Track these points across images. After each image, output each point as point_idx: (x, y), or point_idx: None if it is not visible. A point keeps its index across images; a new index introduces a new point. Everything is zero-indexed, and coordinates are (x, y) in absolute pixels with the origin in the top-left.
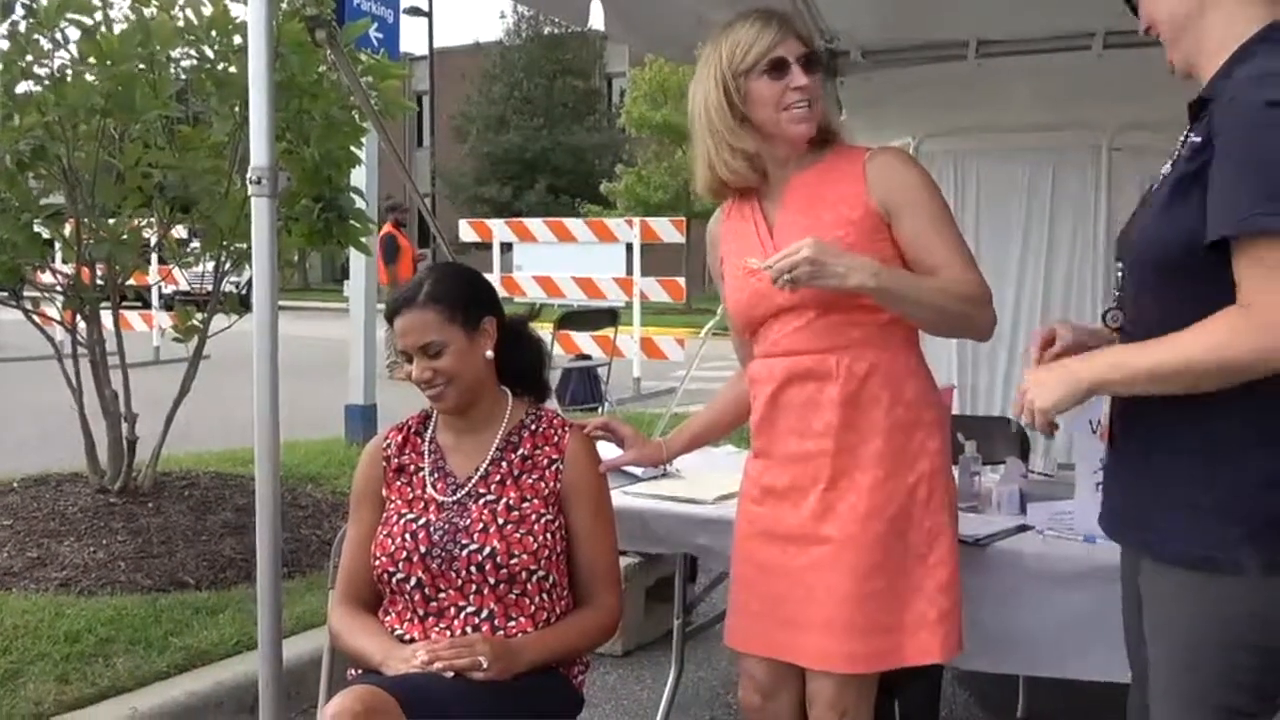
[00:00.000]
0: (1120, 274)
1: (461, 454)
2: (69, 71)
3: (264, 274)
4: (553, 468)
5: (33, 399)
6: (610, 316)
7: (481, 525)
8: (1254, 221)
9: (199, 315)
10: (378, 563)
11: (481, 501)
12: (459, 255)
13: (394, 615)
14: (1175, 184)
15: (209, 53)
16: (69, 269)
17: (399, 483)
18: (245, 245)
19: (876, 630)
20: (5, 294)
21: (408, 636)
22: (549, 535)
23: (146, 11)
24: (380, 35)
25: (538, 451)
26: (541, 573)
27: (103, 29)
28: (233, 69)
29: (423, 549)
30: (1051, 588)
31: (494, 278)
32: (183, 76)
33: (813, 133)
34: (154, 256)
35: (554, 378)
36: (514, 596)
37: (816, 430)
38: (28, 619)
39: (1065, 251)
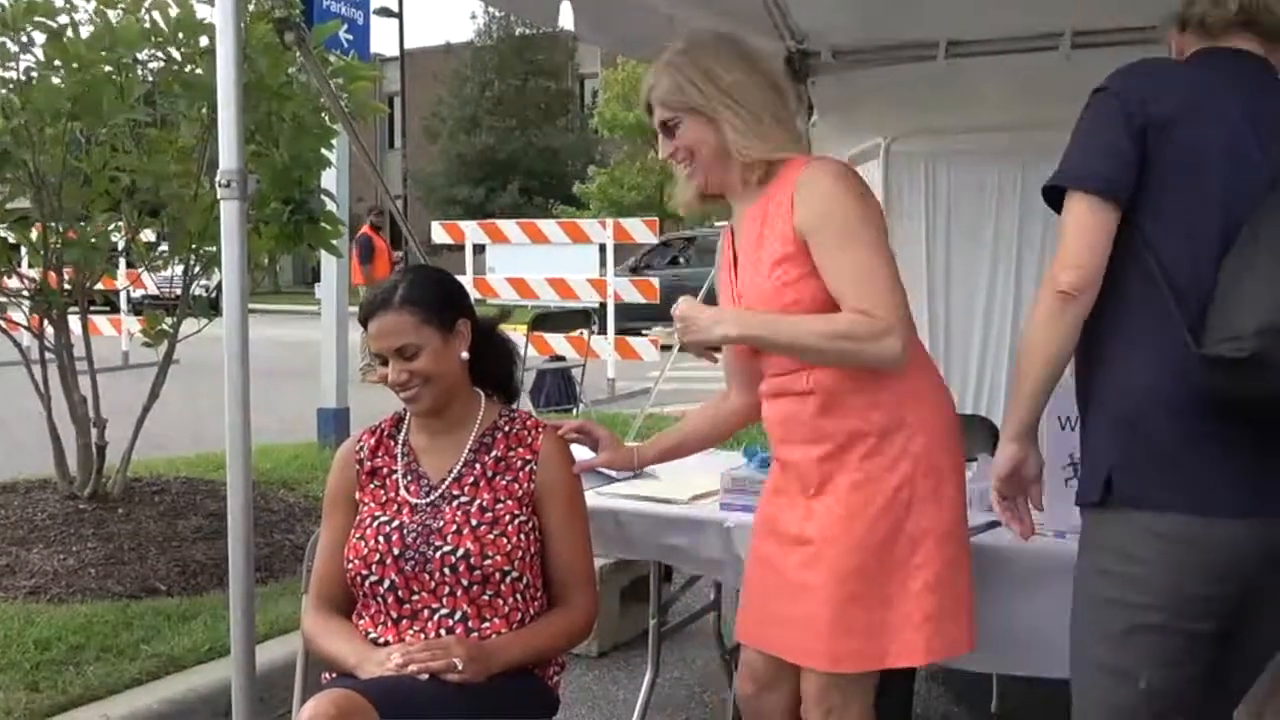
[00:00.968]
0: None
1: (435, 456)
2: (35, 75)
3: (234, 277)
4: (526, 469)
5: (0, 406)
6: (584, 317)
7: (455, 527)
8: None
9: (168, 319)
10: (351, 566)
11: (455, 503)
12: (431, 257)
13: (367, 619)
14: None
15: (176, 55)
16: (36, 274)
17: (372, 485)
18: (214, 248)
19: (858, 631)
20: None
21: (382, 640)
22: (523, 536)
23: (112, 14)
24: (350, 37)
25: (511, 453)
26: (515, 574)
27: (69, 32)
28: (200, 71)
29: (396, 551)
30: (1022, 585)
31: (467, 279)
32: (149, 79)
33: (705, 188)
34: (122, 260)
35: (528, 379)
36: (488, 598)
37: (799, 440)
38: None
39: (1036, 250)
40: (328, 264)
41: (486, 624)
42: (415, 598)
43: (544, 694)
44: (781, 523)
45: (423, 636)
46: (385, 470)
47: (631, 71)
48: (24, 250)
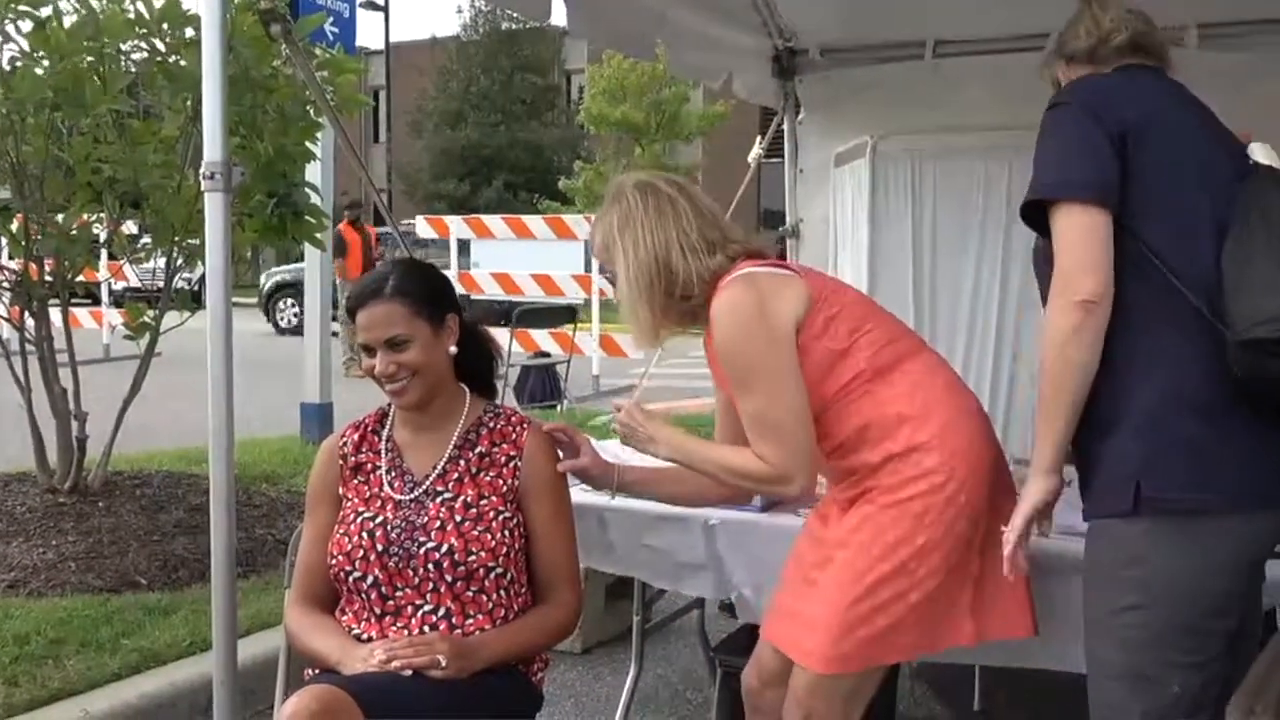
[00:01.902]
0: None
1: (419, 452)
2: (18, 64)
3: (218, 270)
4: (511, 465)
5: None
6: (568, 313)
7: (439, 523)
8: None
9: (150, 312)
10: (334, 562)
11: (439, 499)
12: (414, 252)
13: (351, 614)
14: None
15: (160, 45)
16: (16, 265)
17: (356, 481)
18: (197, 241)
19: (853, 637)
20: None
21: (365, 636)
22: (507, 533)
23: (96, 4)
24: (336, 29)
25: (496, 449)
26: (500, 570)
27: (53, 22)
28: (184, 62)
29: (380, 547)
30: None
31: (451, 274)
32: (133, 70)
33: (662, 328)
34: (103, 252)
35: (512, 375)
36: (471, 594)
37: (831, 480)
38: None
39: (1021, 250)
40: (311, 257)
41: (470, 620)
42: (399, 594)
43: (528, 690)
44: (818, 525)
45: (406, 633)
46: (369, 466)
47: (618, 67)
48: (4, 241)
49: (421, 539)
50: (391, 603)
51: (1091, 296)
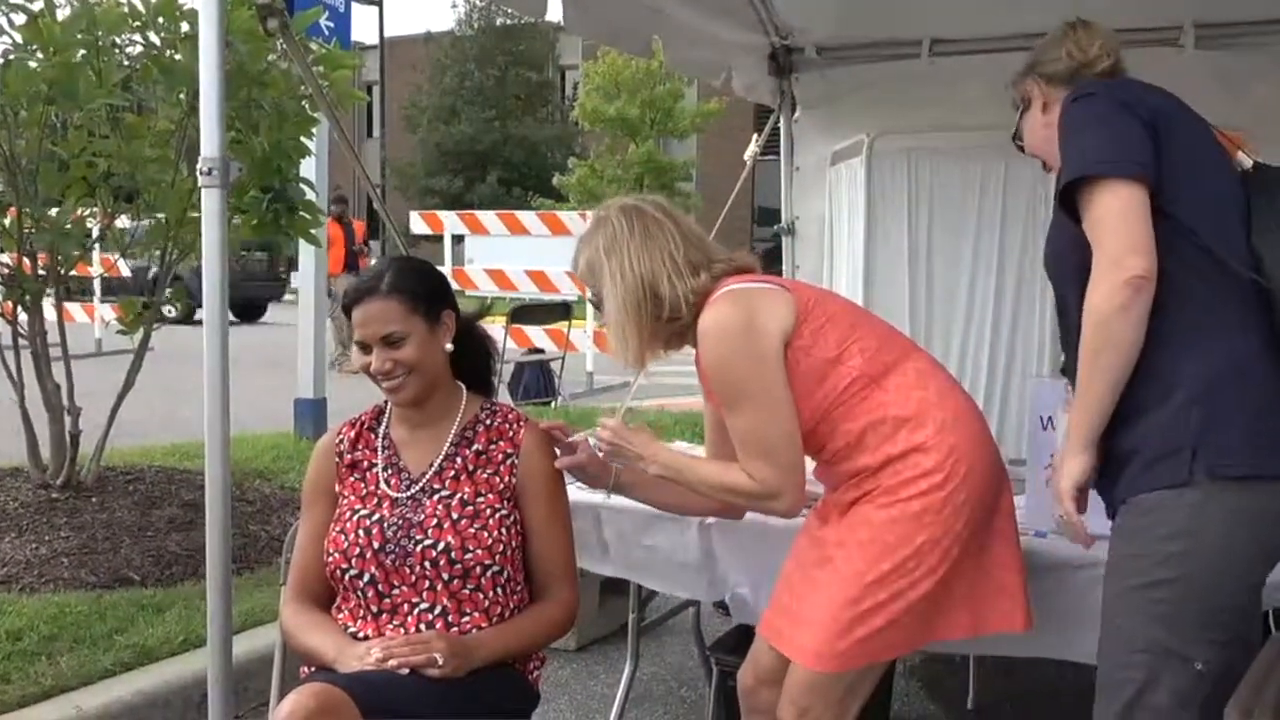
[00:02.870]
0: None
1: (415, 449)
2: (12, 57)
3: (213, 265)
4: (508, 462)
5: None
6: (563, 310)
7: (435, 521)
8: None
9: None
10: (330, 559)
11: (436, 497)
12: (409, 248)
13: (347, 612)
14: (1058, 196)
15: (155, 39)
16: (9, 259)
17: (352, 478)
18: (191, 236)
19: (850, 636)
20: None
21: (361, 634)
22: (504, 530)
23: None
24: (331, 24)
25: (492, 446)
26: (496, 568)
27: (45, 15)
28: (179, 56)
29: (376, 545)
30: None
31: (445, 270)
32: (128, 63)
33: (649, 349)
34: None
35: (507, 371)
36: (468, 592)
37: (829, 484)
38: None
39: (1017, 249)
40: (305, 253)
41: (466, 618)
42: (395, 592)
43: (524, 688)
44: (817, 525)
45: (402, 631)
46: (365, 463)
47: (612, 64)
48: None
49: (418, 537)
50: (388, 601)
51: (1142, 273)
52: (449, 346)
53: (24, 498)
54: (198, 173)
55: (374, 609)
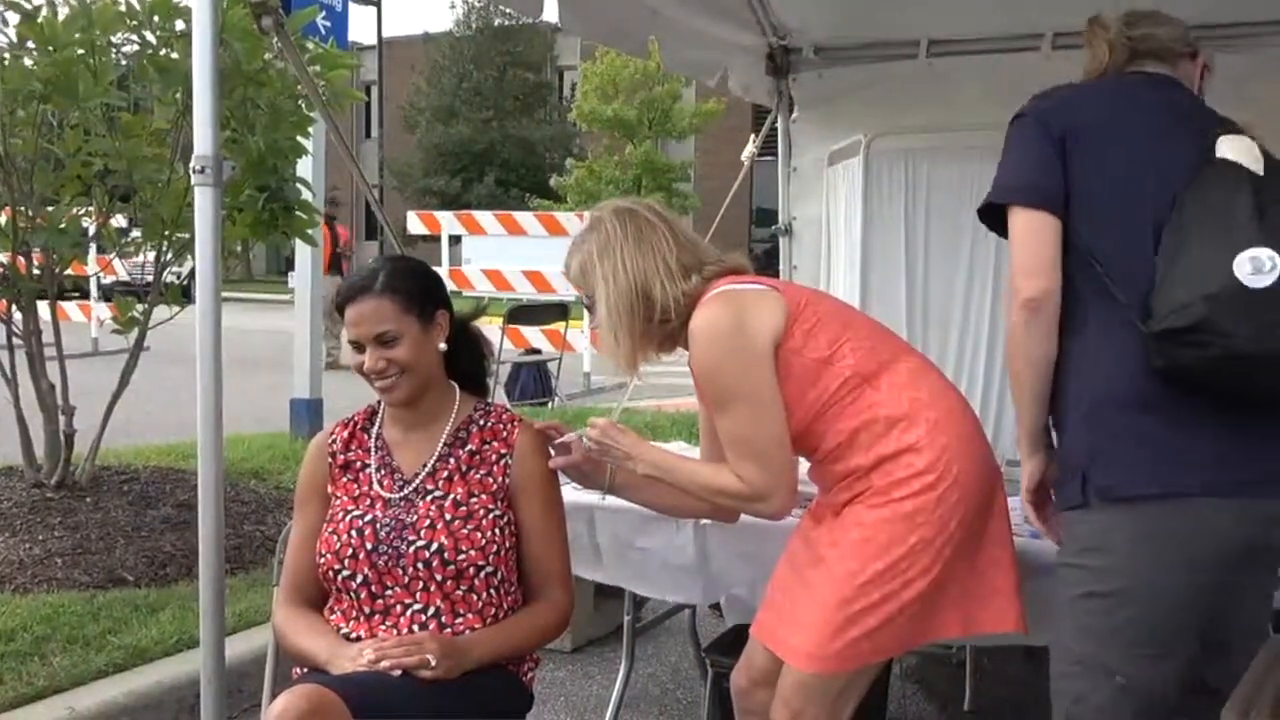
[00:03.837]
0: None
1: (408, 450)
2: (7, 56)
3: (207, 264)
4: (501, 463)
5: None
6: (560, 311)
7: (429, 521)
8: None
9: (139, 306)
10: (323, 560)
11: (429, 498)
12: (406, 247)
13: (340, 614)
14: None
15: (151, 38)
16: (4, 258)
17: (345, 479)
18: (187, 235)
19: (843, 637)
20: None
21: (354, 635)
22: (497, 531)
23: None
24: (328, 23)
25: (486, 447)
26: (490, 568)
27: (43, 13)
28: (175, 55)
29: (369, 546)
30: None
31: (443, 270)
32: (124, 62)
33: (641, 350)
34: (92, 246)
35: (503, 372)
36: (461, 593)
37: (823, 485)
38: None
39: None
40: (301, 253)
41: (460, 619)
42: (388, 593)
43: (518, 690)
44: (811, 525)
45: (395, 632)
46: (358, 464)
47: (610, 64)
48: None
49: (411, 537)
50: (381, 602)
51: (1034, 294)
52: (443, 346)
53: (18, 497)
54: (191, 171)
55: (367, 610)
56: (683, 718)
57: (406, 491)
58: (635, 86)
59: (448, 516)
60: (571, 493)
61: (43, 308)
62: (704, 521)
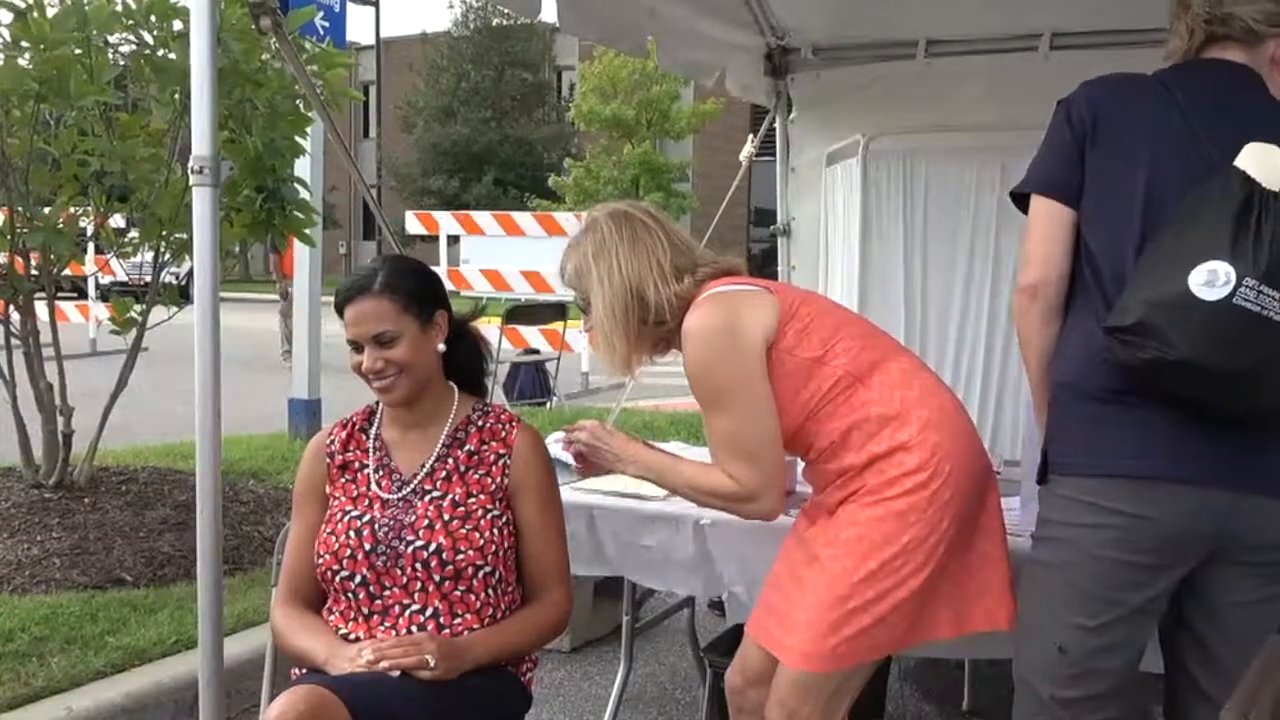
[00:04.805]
0: None
1: (407, 450)
2: (1, 56)
3: (205, 265)
4: (500, 463)
5: None
6: (559, 311)
7: (427, 522)
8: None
9: (137, 307)
10: (321, 560)
11: (427, 498)
12: (404, 247)
13: (338, 614)
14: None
15: (148, 38)
16: (1, 258)
17: (343, 480)
18: (184, 235)
19: (837, 635)
20: None
21: (352, 635)
22: (496, 531)
23: None
24: (326, 23)
25: (484, 447)
26: (488, 569)
27: (33, 12)
28: (172, 55)
29: (367, 546)
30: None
31: (441, 270)
32: (121, 62)
33: (637, 353)
34: (90, 246)
35: (502, 372)
36: (459, 593)
37: (809, 481)
38: None
39: (1012, 249)
40: (300, 254)
41: (458, 620)
42: (386, 593)
43: (517, 691)
44: (805, 525)
45: (394, 632)
46: (356, 464)
47: (609, 64)
48: None
49: (409, 538)
50: (379, 602)
51: (1030, 282)
52: (441, 347)
53: (16, 498)
54: (189, 171)
55: (365, 610)
56: (681, 718)
57: (405, 492)
58: (633, 86)
59: (446, 517)
60: (570, 493)
61: (41, 308)
62: (703, 520)
